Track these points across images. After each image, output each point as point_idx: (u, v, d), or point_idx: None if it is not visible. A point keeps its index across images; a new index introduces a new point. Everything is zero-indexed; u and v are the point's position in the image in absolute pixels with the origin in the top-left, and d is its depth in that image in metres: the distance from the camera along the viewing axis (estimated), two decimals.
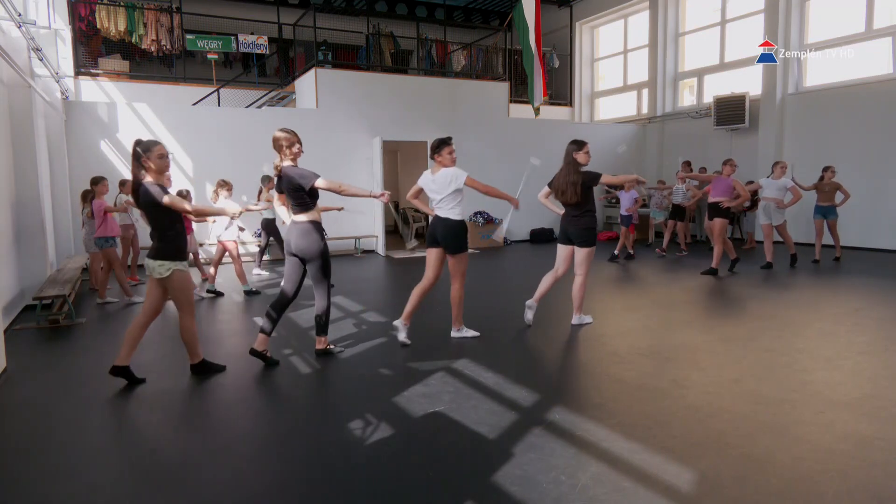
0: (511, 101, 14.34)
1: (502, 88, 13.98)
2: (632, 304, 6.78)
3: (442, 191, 5.00)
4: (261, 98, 12.98)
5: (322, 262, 4.61)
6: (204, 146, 11.03)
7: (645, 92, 15.58)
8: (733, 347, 5.04)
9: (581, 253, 5.56)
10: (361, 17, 15.25)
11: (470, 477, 2.84)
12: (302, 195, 4.48)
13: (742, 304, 6.76)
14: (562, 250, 5.75)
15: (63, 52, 10.92)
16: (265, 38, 13.01)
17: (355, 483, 2.83)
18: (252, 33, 13.04)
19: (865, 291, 7.26)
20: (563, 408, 3.64)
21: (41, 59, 7.90)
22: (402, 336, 5.19)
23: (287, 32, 13.74)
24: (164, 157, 4.13)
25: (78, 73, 11.64)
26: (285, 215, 4.80)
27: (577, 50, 17.09)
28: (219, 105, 12.08)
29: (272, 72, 14.62)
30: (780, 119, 12.30)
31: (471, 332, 5.41)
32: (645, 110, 15.61)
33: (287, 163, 4.53)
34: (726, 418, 3.50)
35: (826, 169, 9.52)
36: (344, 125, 12.06)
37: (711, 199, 8.47)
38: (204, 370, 4.47)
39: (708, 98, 13.84)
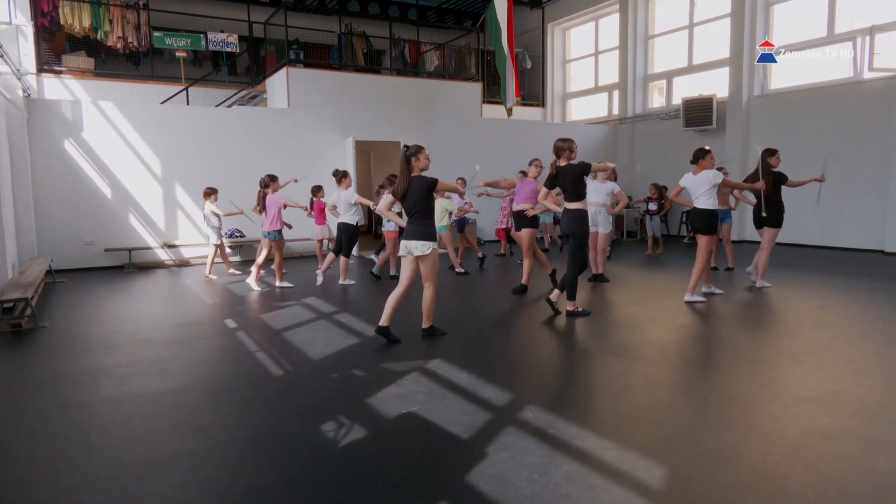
0: (484, 102, 14.37)
1: (475, 89, 14.02)
2: (601, 303, 6.85)
3: (701, 188, 6.56)
4: (231, 97, 12.79)
5: (580, 241, 5.89)
6: (172, 146, 10.82)
7: (616, 93, 15.76)
8: (702, 345, 5.12)
9: (769, 232, 7.28)
10: (333, 16, 15.14)
11: (444, 477, 2.84)
12: (579, 187, 5.79)
13: (708, 303, 6.86)
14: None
15: (25, 49, 10.60)
16: (235, 36, 12.81)
17: (329, 485, 2.80)
18: (222, 31, 12.85)
19: (828, 289, 7.45)
20: (536, 406, 3.66)
21: (1, 56, 7.69)
22: (714, 290, 7.06)
23: (258, 31, 13.57)
24: (428, 158, 5.03)
25: (41, 70, 11.35)
26: (557, 207, 6.05)
27: (549, 51, 17.22)
28: (188, 104, 11.86)
29: (243, 71, 14.42)
30: (746, 120, 12.57)
31: (700, 297, 6.72)
32: (616, 111, 15.79)
33: (563, 163, 5.82)
34: (695, 414, 3.56)
35: (720, 169, 9.21)
36: (316, 125, 11.94)
37: (515, 207, 7.63)
38: (431, 333, 5.30)
39: (677, 100, 14.06)
